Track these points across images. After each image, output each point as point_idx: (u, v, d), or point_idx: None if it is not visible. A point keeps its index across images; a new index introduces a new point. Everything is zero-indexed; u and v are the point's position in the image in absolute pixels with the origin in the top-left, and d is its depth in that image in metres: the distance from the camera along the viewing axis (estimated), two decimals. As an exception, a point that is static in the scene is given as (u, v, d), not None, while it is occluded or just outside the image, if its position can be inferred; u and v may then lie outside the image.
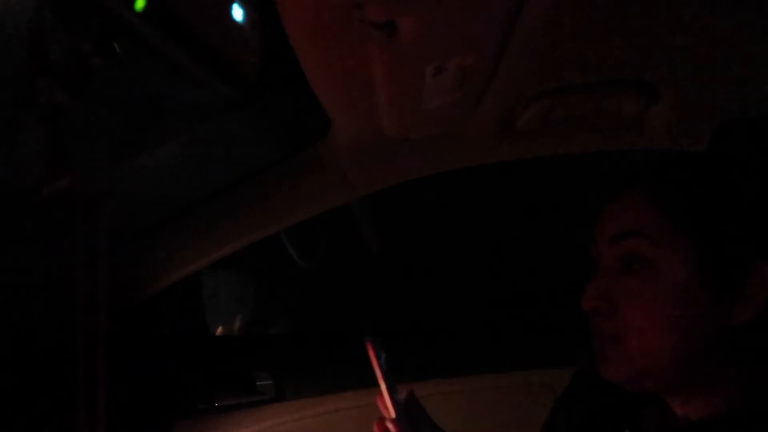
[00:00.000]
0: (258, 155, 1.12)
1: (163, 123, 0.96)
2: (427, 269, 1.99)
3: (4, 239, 1.02)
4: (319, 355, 1.36)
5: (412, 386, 0.93)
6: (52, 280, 1.09)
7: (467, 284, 1.93)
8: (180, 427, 1.21)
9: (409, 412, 0.88)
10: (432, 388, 1.32)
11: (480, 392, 1.35)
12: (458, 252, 2.01)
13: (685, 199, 0.67)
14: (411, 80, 0.78)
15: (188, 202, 1.12)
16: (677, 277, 0.64)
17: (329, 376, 1.33)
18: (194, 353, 1.31)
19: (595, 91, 0.96)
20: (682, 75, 0.92)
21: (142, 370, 1.21)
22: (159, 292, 1.22)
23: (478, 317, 1.65)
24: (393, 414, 0.84)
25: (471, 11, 0.66)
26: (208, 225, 1.15)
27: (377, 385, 0.87)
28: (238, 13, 0.50)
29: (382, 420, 0.87)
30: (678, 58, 0.87)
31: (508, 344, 1.41)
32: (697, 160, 0.75)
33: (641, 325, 0.66)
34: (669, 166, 0.72)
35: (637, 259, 0.67)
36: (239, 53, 0.53)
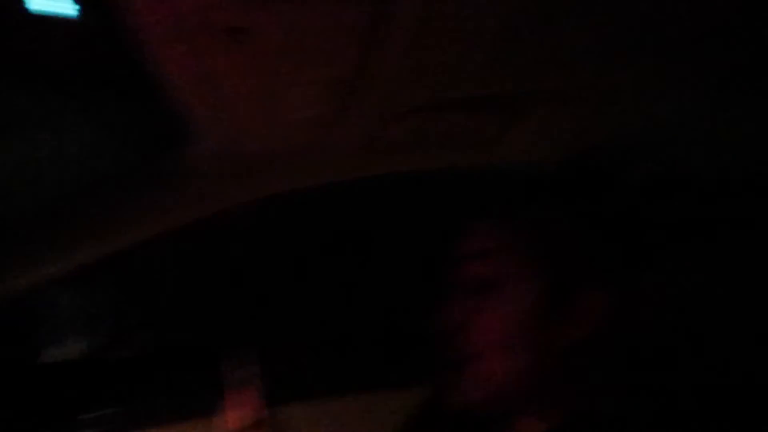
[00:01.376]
0: (112, 162, 1.05)
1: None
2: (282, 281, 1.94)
3: None
4: (174, 378, 1.26)
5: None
6: None
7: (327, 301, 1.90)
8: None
9: None
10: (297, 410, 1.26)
11: (347, 413, 1.31)
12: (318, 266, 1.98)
13: (528, 231, 0.72)
14: (269, 91, 0.75)
15: (29, 209, 1.02)
16: (523, 302, 0.69)
17: (182, 401, 1.21)
18: (12, 383, 1.16)
19: (459, 110, 0.99)
20: (544, 100, 0.96)
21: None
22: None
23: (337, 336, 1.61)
24: None
25: (326, 22, 0.64)
26: (50, 234, 1.05)
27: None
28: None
29: None
30: (541, 84, 0.91)
31: (368, 364, 1.38)
32: (543, 196, 0.80)
33: (488, 346, 0.69)
34: (521, 194, 0.79)
35: (484, 280, 0.70)
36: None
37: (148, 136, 1.04)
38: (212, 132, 0.95)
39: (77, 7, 0.47)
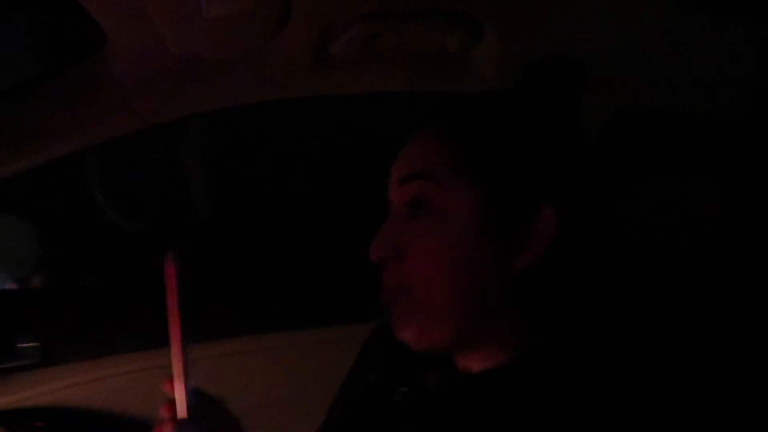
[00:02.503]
0: (19, 70, 0.93)
1: None
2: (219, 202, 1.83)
3: None
4: (96, 312, 1.18)
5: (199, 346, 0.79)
6: None
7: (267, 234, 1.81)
8: None
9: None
10: (220, 348, 1.21)
11: (280, 350, 1.25)
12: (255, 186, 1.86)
13: (470, 140, 0.65)
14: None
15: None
16: (462, 221, 0.62)
17: (106, 337, 1.17)
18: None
19: (417, 21, 0.88)
20: (507, 14, 0.86)
21: None
22: None
23: (275, 270, 1.54)
24: (181, 375, 0.68)
25: None
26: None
27: (163, 346, 0.71)
28: None
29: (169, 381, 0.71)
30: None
31: (310, 297, 1.32)
32: (487, 99, 0.72)
33: (426, 273, 0.63)
34: (459, 106, 0.70)
35: (421, 202, 0.64)
36: None
37: (57, 42, 0.91)
38: (125, 35, 0.82)
39: None
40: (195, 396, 0.70)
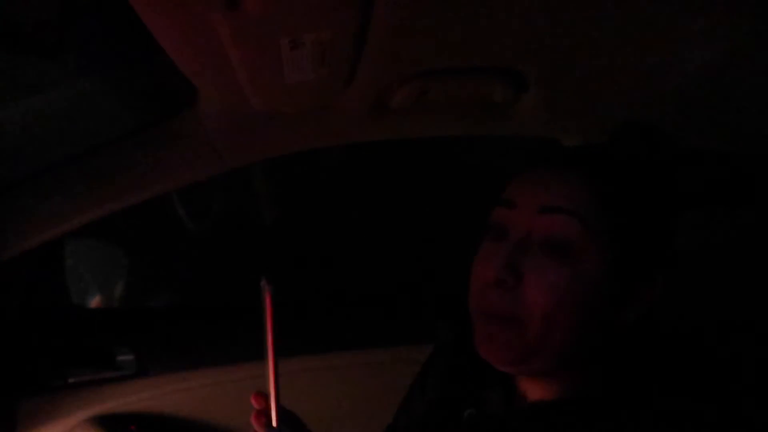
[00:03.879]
0: (120, 121, 1.07)
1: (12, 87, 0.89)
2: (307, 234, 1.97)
3: None
4: (186, 329, 1.32)
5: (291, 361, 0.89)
6: None
7: (341, 258, 1.94)
8: (26, 404, 1.14)
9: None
10: (300, 364, 1.32)
11: (350, 368, 1.36)
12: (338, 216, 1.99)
13: (621, 194, 0.65)
14: (266, 53, 0.75)
15: (44, 165, 1.05)
16: (593, 268, 0.63)
17: (195, 351, 1.30)
18: (46, 325, 1.24)
19: (466, 76, 0.97)
20: (551, 69, 0.93)
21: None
22: (13, 259, 1.14)
23: (352, 292, 1.65)
24: (273, 391, 0.76)
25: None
26: (66, 189, 1.08)
27: (249, 360, 0.82)
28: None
29: (260, 395, 0.79)
30: (548, 52, 0.88)
31: (385, 318, 1.42)
32: (634, 159, 0.71)
33: (546, 310, 0.62)
34: (611, 157, 0.70)
35: (560, 238, 0.63)
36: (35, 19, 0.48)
37: (155, 97, 1.05)
38: (216, 93, 0.95)
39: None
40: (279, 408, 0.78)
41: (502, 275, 0.63)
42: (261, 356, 0.80)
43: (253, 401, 0.78)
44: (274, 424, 0.76)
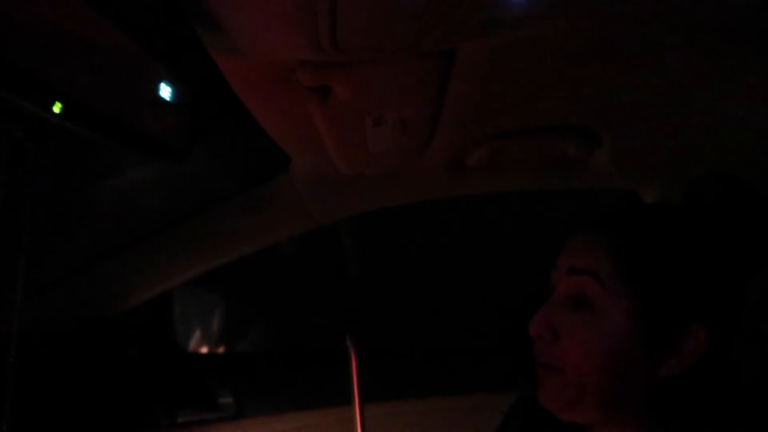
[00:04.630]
0: (222, 186, 1.18)
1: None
2: (387, 285, 2.05)
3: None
4: (281, 373, 1.41)
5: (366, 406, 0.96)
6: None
7: (423, 307, 2.00)
8: (141, 441, 1.26)
9: None
10: (387, 408, 1.38)
11: (432, 414, 1.40)
12: (417, 268, 2.07)
13: (636, 253, 0.69)
14: (352, 130, 0.83)
15: (157, 227, 1.18)
16: (617, 323, 0.67)
17: (288, 395, 1.38)
18: (159, 369, 1.36)
19: (539, 136, 1.02)
20: (622, 123, 0.97)
21: (106, 384, 1.26)
22: (128, 310, 1.27)
23: (433, 337, 1.71)
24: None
25: (399, 75, 0.71)
26: (175, 249, 1.20)
27: (337, 404, 0.90)
28: (165, 91, 0.55)
29: None
30: (618, 108, 0.92)
31: (461, 366, 1.47)
32: (655, 217, 0.75)
33: (577, 360, 0.68)
34: (628, 218, 0.74)
35: (584, 296, 0.70)
36: (168, 129, 0.58)
37: (255, 164, 1.15)
38: (307, 160, 1.05)
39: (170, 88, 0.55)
40: None
41: (539, 331, 0.71)
42: (348, 401, 0.87)
43: None
44: None
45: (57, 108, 0.39)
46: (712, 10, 0.66)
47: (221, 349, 1.84)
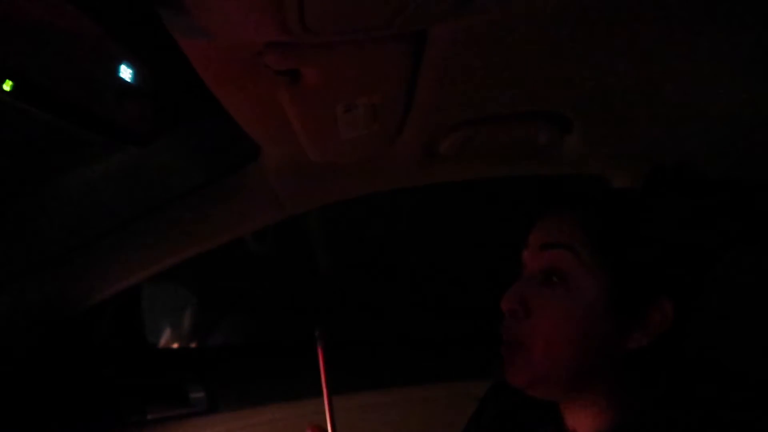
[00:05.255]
0: (189, 176, 1.15)
1: (89, 145, 0.99)
2: (358, 275, 2.04)
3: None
4: (253, 366, 1.39)
5: (341, 398, 0.96)
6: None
7: (395, 294, 1.99)
8: (110, 439, 1.23)
9: None
10: (359, 400, 1.37)
11: (408, 404, 1.40)
12: (387, 258, 2.07)
13: (608, 229, 0.72)
14: (323, 117, 0.82)
15: (122, 220, 1.15)
16: (588, 295, 0.70)
17: (263, 387, 1.36)
18: (127, 366, 1.33)
19: (510, 122, 1.02)
20: (593, 110, 0.97)
21: (74, 381, 1.23)
22: (95, 306, 1.24)
23: (406, 328, 1.71)
24: (331, 424, 0.84)
25: (370, 59, 0.70)
26: (142, 242, 1.17)
27: (311, 396, 0.89)
28: (126, 73, 0.53)
29: (316, 428, 0.86)
30: (589, 95, 0.92)
31: (436, 355, 1.46)
32: (626, 196, 0.81)
33: (547, 335, 0.71)
34: (601, 197, 0.79)
35: (557, 270, 0.72)
36: (130, 112, 0.56)
37: (223, 154, 1.13)
38: (277, 149, 1.03)
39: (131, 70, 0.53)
40: None
41: (511, 306, 0.73)
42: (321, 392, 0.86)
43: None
44: None
45: (7, 86, 0.37)
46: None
47: (193, 345, 1.81)
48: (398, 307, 1.94)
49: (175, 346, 1.78)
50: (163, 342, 1.80)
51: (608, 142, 1.07)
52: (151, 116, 0.60)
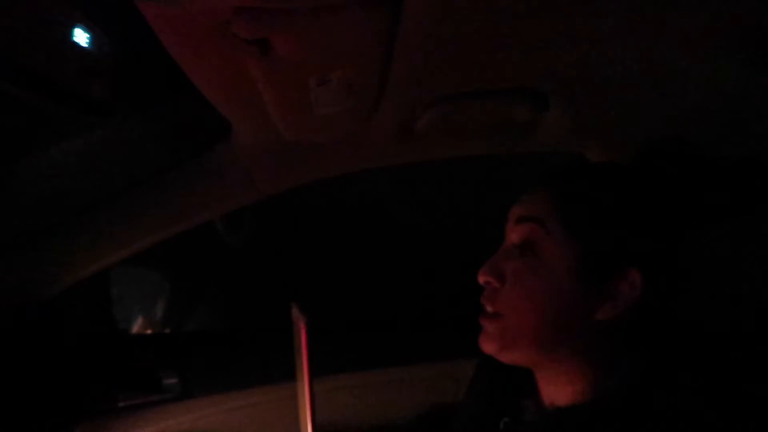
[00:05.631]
0: (158, 156, 1.12)
1: (53, 125, 0.95)
2: (334, 259, 2.02)
3: None
4: (227, 352, 1.37)
5: (320, 380, 0.94)
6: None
7: (371, 276, 1.98)
8: (82, 428, 1.20)
9: None
10: (338, 381, 1.35)
11: (386, 385, 1.39)
12: (363, 242, 2.05)
13: (577, 201, 0.75)
14: (295, 90, 0.79)
15: (88, 203, 1.11)
16: (557, 267, 0.72)
17: (236, 373, 1.34)
18: (98, 352, 1.30)
19: (488, 99, 1.00)
20: (570, 86, 0.96)
21: (43, 368, 1.20)
22: (63, 291, 1.20)
23: (384, 309, 1.70)
24: (309, 410, 0.82)
25: (344, 28, 0.67)
26: (111, 225, 1.14)
27: (286, 380, 0.86)
28: (81, 37, 0.50)
29: None
30: (566, 70, 0.91)
31: (413, 336, 1.45)
32: (597, 170, 0.82)
33: (517, 304, 0.74)
34: (571, 172, 0.80)
35: (529, 243, 0.75)
36: (87, 78, 0.52)
37: (192, 133, 1.10)
38: (248, 127, 1.00)
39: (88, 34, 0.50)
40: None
41: (487, 278, 0.77)
42: (297, 376, 0.84)
43: None
44: None
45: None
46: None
47: (167, 331, 1.77)
48: (378, 288, 1.92)
49: (149, 332, 1.74)
50: (136, 329, 1.76)
51: (585, 120, 1.06)
52: (111, 86, 0.57)
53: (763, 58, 0.85)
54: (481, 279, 0.77)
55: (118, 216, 1.12)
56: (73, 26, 0.48)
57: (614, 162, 0.87)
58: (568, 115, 1.03)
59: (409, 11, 0.68)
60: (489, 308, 0.77)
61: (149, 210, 1.13)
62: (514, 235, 0.77)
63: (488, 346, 0.77)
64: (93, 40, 0.52)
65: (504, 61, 0.88)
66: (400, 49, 0.77)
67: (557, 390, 0.77)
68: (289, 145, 1.04)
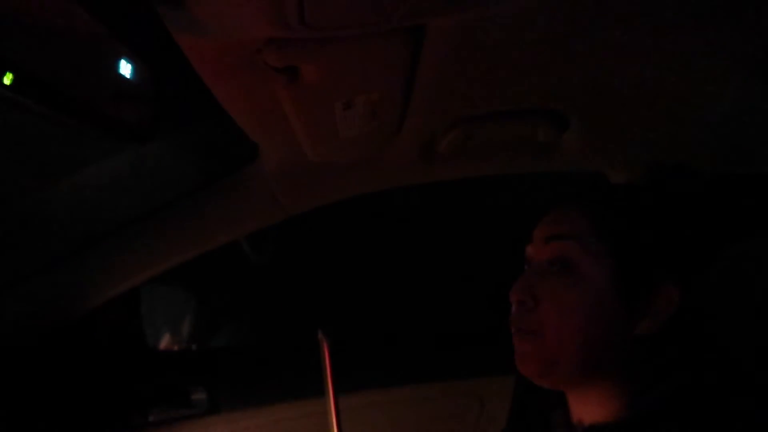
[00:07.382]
0: (187, 178, 1.15)
1: (85, 148, 0.99)
2: (357, 277, 2.04)
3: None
4: (253, 367, 1.39)
5: (345, 397, 0.96)
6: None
7: (396, 293, 2.00)
8: (112, 442, 1.23)
9: None
10: (362, 398, 1.37)
11: (409, 402, 1.40)
12: (388, 260, 2.07)
13: (613, 219, 0.75)
14: (322, 115, 0.82)
15: (120, 222, 1.14)
16: (595, 283, 0.72)
17: (265, 388, 1.36)
18: (129, 368, 1.33)
19: (509, 120, 1.02)
20: (591, 107, 0.97)
21: (76, 384, 1.23)
22: (94, 310, 1.24)
23: (409, 327, 1.71)
24: (335, 427, 0.84)
25: (369, 56, 0.70)
26: (141, 244, 1.17)
27: (313, 396, 0.89)
28: (126, 69, 0.53)
29: None
30: (586, 92, 0.93)
31: (436, 354, 1.46)
32: (629, 189, 0.85)
33: (556, 322, 0.73)
34: (605, 190, 0.83)
35: (564, 260, 0.74)
36: (129, 108, 0.56)
37: (221, 154, 1.13)
38: (276, 148, 1.03)
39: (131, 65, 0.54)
40: None
41: (521, 297, 0.75)
42: (323, 392, 0.87)
43: None
44: None
45: (7, 79, 0.37)
46: None
47: (194, 347, 1.81)
48: (402, 306, 1.94)
49: (176, 348, 1.78)
50: (162, 345, 1.80)
51: (606, 139, 1.07)
52: (150, 114, 0.60)
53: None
54: (514, 298, 0.77)
55: (148, 235, 1.15)
56: (118, 59, 0.52)
57: (638, 184, 0.89)
58: (587, 135, 1.05)
59: (432, 37, 0.71)
60: (523, 327, 0.76)
61: (179, 229, 1.16)
62: (544, 254, 0.77)
63: (527, 368, 0.76)
64: (135, 71, 0.55)
65: (524, 84, 0.90)
66: (421, 74, 0.80)
67: (590, 409, 0.76)
68: (314, 166, 1.06)
